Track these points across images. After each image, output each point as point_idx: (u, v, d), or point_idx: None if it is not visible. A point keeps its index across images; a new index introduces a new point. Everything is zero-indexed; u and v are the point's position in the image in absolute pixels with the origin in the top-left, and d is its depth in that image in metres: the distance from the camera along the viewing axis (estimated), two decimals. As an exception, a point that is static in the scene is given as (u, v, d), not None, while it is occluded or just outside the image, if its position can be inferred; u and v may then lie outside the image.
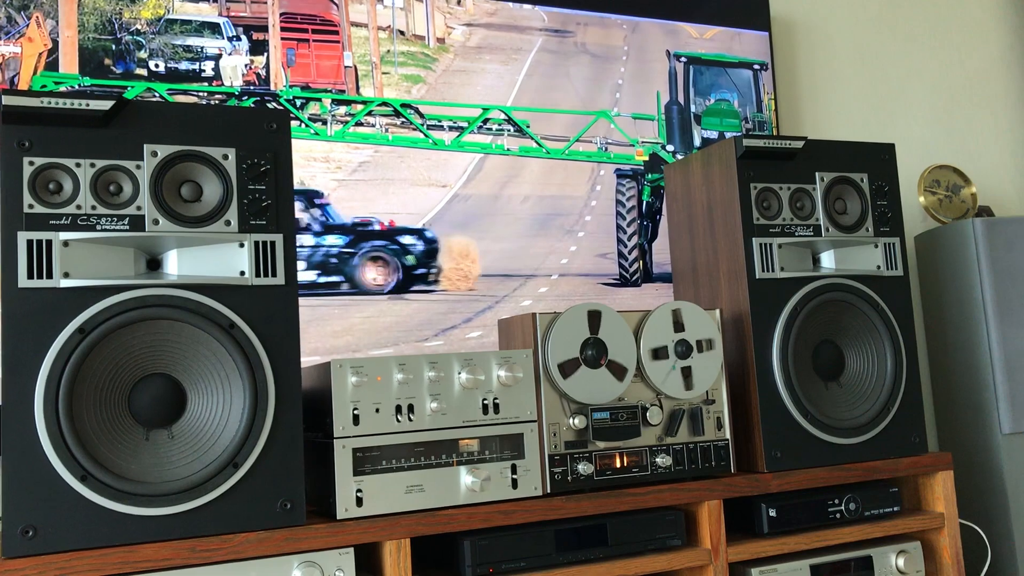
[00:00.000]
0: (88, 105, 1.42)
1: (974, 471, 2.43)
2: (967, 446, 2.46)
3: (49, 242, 1.41)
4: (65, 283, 1.40)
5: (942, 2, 3.08)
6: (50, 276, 1.40)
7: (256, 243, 1.52)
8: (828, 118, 2.81)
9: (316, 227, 2.14)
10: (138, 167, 1.47)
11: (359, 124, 2.21)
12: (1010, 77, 3.14)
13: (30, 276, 1.39)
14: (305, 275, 2.11)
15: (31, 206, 1.41)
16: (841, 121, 2.83)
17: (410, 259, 2.22)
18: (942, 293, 2.54)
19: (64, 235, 1.41)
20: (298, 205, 2.08)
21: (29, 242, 1.40)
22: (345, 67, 2.21)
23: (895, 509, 2.00)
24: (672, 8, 2.53)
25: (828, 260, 2.04)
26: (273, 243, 1.53)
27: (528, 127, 2.36)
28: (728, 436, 1.86)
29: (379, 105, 2.23)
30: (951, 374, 2.52)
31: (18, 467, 1.35)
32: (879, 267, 2.05)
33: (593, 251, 2.39)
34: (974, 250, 2.47)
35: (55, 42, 1.96)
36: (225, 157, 1.52)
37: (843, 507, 1.95)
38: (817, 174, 2.01)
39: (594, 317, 1.74)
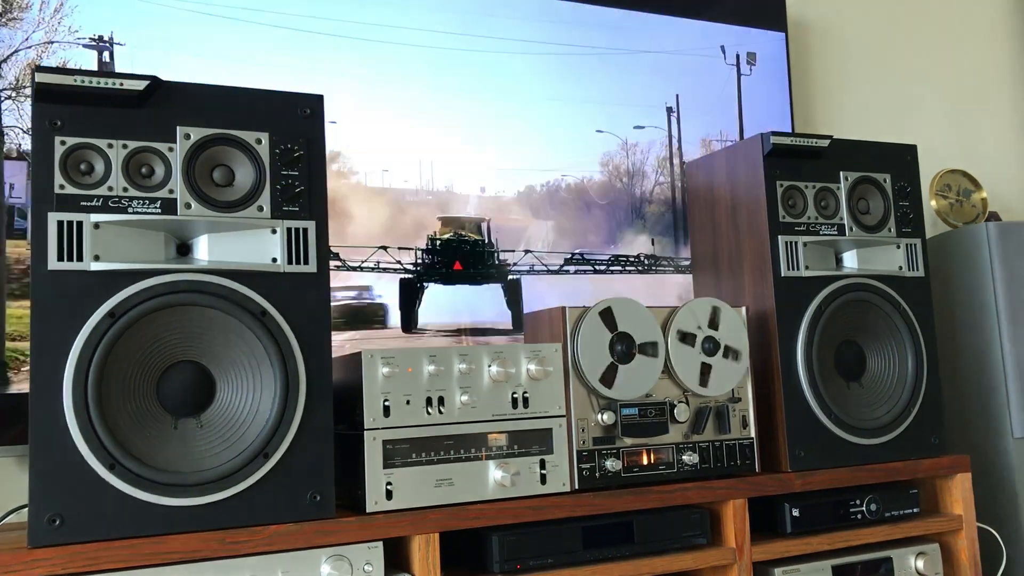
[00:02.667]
0: (122, 85, 1.39)
1: (985, 475, 2.43)
2: (978, 450, 2.46)
3: (80, 224, 1.37)
4: (96, 266, 1.37)
5: (954, 9, 3.09)
6: (80, 259, 1.36)
7: (289, 230, 1.49)
8: (841, 121, 2.81)
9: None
10: (171, 149, 1.43)
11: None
12: (1018, 84, 3.15)
13: (60, 258, 1.35)
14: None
15: (62, 186, 1.37)
16: (853, 124, 2.83)
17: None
18: (954, 297, 2.55)
19: (95, 217, 1.38)
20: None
21: (59, 223, 1.36)
22: None
23: (915, 511, 1.99)
24: (688, 5, 2.51)
25: (851, 260, 2.03)
26: (306, 230, 1.50)
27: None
28: (753, 434, 1.84)
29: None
30: (962, 378, 2.52)
31: (45, 454, 1.32)
32: (901, 268, 2.05)
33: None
34: (987, 254, 2.47)
35: None
36: (259, 142, 1.49)
37: (864, 508, 1.94)
38: (842, 173, 2.01)
39: (607, 314, 1.72)
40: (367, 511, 1.50)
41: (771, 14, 2.62)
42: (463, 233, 2.21)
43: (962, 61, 3.07)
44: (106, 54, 1.91)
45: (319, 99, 1.55)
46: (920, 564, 1.95)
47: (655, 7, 2.46)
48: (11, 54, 1.87)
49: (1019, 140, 3.14)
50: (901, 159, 2.09)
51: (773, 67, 2.63)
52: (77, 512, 1.32)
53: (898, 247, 2.05)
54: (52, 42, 1.88)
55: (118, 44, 1.93)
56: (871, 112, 2.88)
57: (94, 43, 1.91)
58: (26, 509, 1.38)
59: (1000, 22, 3.16)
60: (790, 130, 2.63)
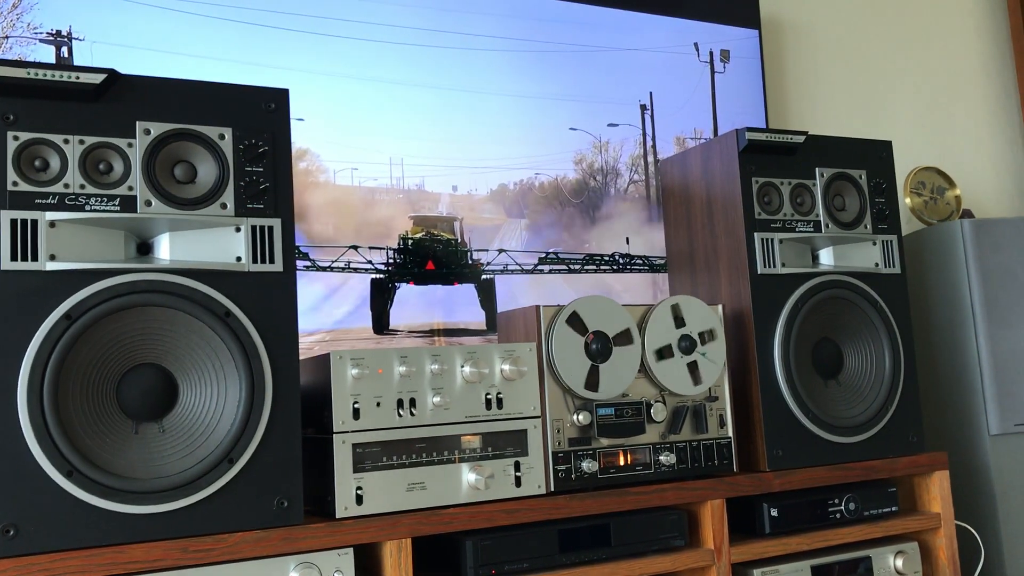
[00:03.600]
0: (78, 78, 1.34)
1: (962, 472, 2.42)
2: (955, 447, 2.45)
3: (35, 222, 1.32)
4: (51, 266, 1.32)
5: (925, 8, 3.09)
6: (35, 258, 1.31)
7: (253, 227, 1.45)
8: (814, 119, 2.80)
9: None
10: (130, 145, 1.39)
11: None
12: (989, 82, 3.16)
13: (13, 258, 1.30)
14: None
15: (15, 183, 1.32)
16: (827, 122, 2.82)
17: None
18: (929, 294, 2.54)
19: (51, 215, 1.33)
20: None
21: (13, 221, 1.31)
22: None
23: (893, 509, 1.98)
24: (662, 2, 2.49)
25: (827, 257, 2.02)
26: (271, 228, 1.46)
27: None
28: (731, 434, 1.82)
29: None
30: (939, 375, 2.52)
31: (-1, 461, 1.27)
32: (877, 264, 2.03)
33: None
34: (962, 251, 2.46)
35: None
36: (221, 137, 1.44)
37: (843, 507, 1.92)
38: (817, 170, 1.99)
39: (575, 319, 1.68)
40: (336, 516, 1.46)
41: (744, 11, 2.61)
42: (435, 232, 2.17)
43: (935, 58, 3.07)
44: (64, 49, 1.85)
45: (284, 93, 1.51)
46: (899, 563, 1.93)
47: (628, 4, 2.44)
48: (-34, 50, 1.81)
49: (992, 137, 3.14)
50: (876, 155, 2.08)
51: (746, 65, 2.62)
52: (33, 521, 1.27)
53: (874, 244, 2.03)
54: (7, 37, 1.82)
55: (76, 39, 1.87)
56: (845, 110, 2.87)
57: (52, 38, 1.86)
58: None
59: (972, 19, 3.17)
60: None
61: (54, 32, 1.86)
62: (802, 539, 1.85)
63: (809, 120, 2.79)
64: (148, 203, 1.38)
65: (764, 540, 1.82)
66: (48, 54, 1.86)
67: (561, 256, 2.31)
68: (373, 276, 2.09)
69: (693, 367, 1.77)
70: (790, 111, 2.77)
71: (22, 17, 1.85)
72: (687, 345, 1.77)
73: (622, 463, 1.70)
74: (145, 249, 1.42)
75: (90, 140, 1.36)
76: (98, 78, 1.36)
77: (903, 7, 3.05)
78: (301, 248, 2.01)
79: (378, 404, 1.51)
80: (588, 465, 1.66)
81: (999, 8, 3.22)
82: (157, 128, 1.40)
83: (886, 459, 1.97)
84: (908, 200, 2.74)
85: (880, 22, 2.99)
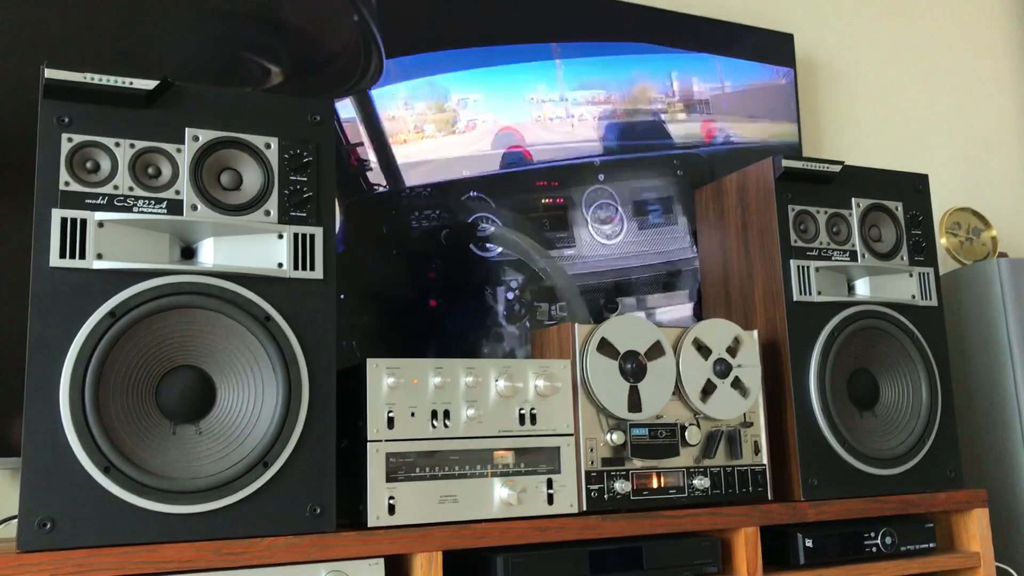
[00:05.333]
0: (132, 84, 1.38)
1: (1000, 513, 2.37)
2: (991, 488, 2.40)
3: (84, 221, 1.35)
4: (98, 264, 1.34)
5: (960, 52, 3.11)
6: (83, 256, 1.34)
7: (295, 235, 1.47)
8: (848, 158, 2.81)
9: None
10: (178, 151, 1.42)
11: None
12: (1022, 126, 3.16)
13: (62, 255, 1.33)
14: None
15: (67, 183, 1.35)
16: (861, 161, 2.82)
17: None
18: (965, 333, 2.51)
19: (99, 215, 1.35)
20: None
21: (63, 220, 1.34)
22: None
23: (931, 545, 1.93)
24: (710, 43, 2.52)
25: (863, 287, 2.01)
26: (313, 236, 1.48)
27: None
28: (765, 461, 1.80)
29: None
30: (975, 415, 2.48)
31: (39, 455, 1.27)
32: (914, 296, 2.02)
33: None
34: (999, 290, 2.44)
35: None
36: (267, 146, 1.47)
37: (879, 541, 1.88)
38: (853, 200, 1.99)
39: (605, 344, 1.68)
40: (368, 526, 1.45)
41: (781, 52, 2.63)
42: None
43: (969, 101, 3.07)
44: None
45: (330, 106, 1.54)
46: (937, 601, 1.88)
47: (680, 44, 2.47)
48: None
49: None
50: (912, 188, 2.08)
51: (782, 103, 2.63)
52: (69, 516, 1.27)
53: (911, 275, 2.02)
54: None
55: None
56: (879, 150, 2.88)
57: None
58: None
59: (1007, 63, 3.18)
60: (799, 165, 2.62)
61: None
62: (837, 571, 1.81)
63: (843, 158, 2.79)
64: (194, 207, 1.41)
65: (799, 571, 1.79)
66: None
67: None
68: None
69: (737, 383, 1.76)
70: (824, 150, 2.78)
71: None
72: (722, 369, 1.76)
73: (655, 485, 1.69)
74: (189, 253, 1.44)
75: (140, 144, 1.40)
76: (150, 85, 1.39)
77: (938, 51, 3.07)
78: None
79: (412, 414, 1.51)
80: (621, 486, 1.65)
81: (1034, 54, 3.23)
82: (205, 135, 1.43)
83: (924, 494, 1.93)
84: (944, 240, 2.73)
85: (915, 65, 3.01)
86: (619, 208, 2.28)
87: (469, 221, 2.11)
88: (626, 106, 2.36)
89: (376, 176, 2.04)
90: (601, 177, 2.28)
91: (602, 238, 2.24)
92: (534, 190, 2.19)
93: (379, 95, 2.07)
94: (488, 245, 2.11)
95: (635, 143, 2.34)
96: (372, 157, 2.04)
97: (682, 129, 2.42)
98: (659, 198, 2.33)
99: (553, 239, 2.18)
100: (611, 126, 2.32)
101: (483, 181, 2.13)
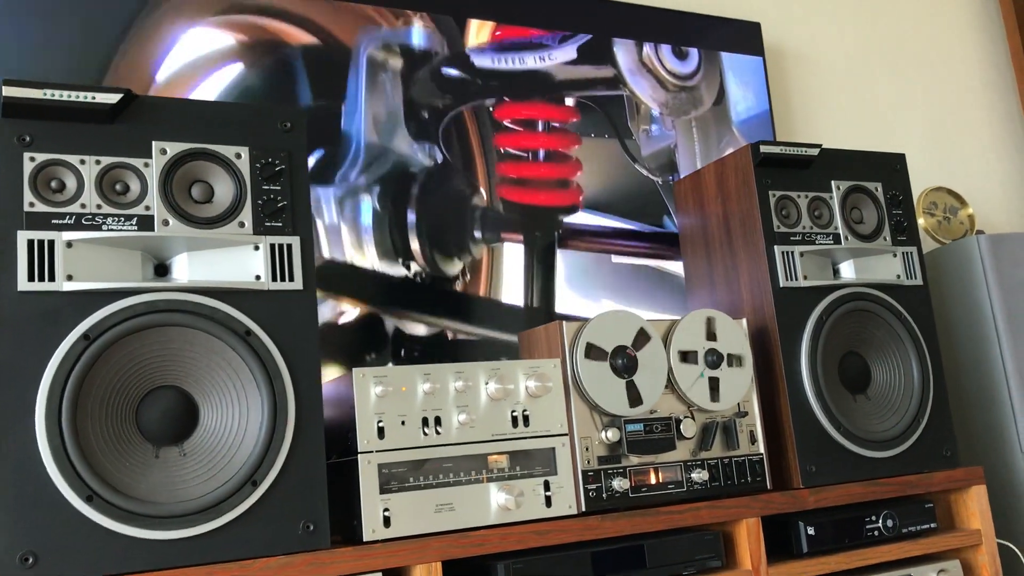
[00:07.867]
0: (94, 98, 1.33)
1: (994, 490, 2.36)
2: (986, 465, 2.39)
3: (51, 242, 1.30)
4: (68, 286, 1.29)
5: (925, 35, 3.12)
6: (52, 279, 1.29)
7: (272, 246, 1.43)
8: (823, 144, 2.80)
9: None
10: (146, 165, 1.37)
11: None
12: (996, 102, 3.17)
13: (30, 279, 1.28)
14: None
15: (32, 204, 1.30)
16: (834, 146, 2.81)
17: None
18: (950, 312, 2.50)
19: (67, 235, 1.31)
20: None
21: (30, 242, 1.29)
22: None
23: (932, 526, 1.92)
24: (678, 37, 2.50)
25: (848, 270, 1.99)
26: (290, 246, 1.44)
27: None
28: (762, 450, 1.77)
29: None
30: (964, 393, 2.47)
31: (16, 486, 1.22)
32: (899, 276, 2.01)
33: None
34: (980, 268, 2.44)
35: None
36: (238, 156, 1.43)
37: (880, 524, 1.86)
38: (833, 182, 1.97)
39: (592, 349, 1.64)
40: (364, 540, 1.41)
41: (748, 41, 2.62)
42: None
43: (938, 83, 3.08)
44: None
45: (300, 112, 1.50)
46: (942, 582, 1.87)
47: (645, 36, 2.45)
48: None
49: (1000, 158, 3.14)
50: (890, 168, 2.07)
51: (752, 91, 2.62)
52: (52, 549, 1.22)
53: (894, 256, 2.01)
54: None
55: None
56: (851, 134, 2.87)
57: None
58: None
59: (973, 44, 3.19)
60: (773, 153, 2.61)
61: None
62: (840, 558, 1.79)
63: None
64: (165, 222, 1.36)
65: (802, 560, 1.76)
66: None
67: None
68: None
69: (715, 383, 1.73)
70: (797, 136, 2.77)
71: None
72: (713, 360, 1.73)
73: (653, 481, 1.66)
74: (163, 270, 1.40)
75: (106, 160, 1.35)
76: (114, 98, 1.35)
77: (903, 36, 3.07)
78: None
79: (403, 423, 1.47)
80: (619, 483, 1.62)
81: (997, 32, 3.25)
82: (173, 148, 1.39)
83: (921, 474, 1.92)
84: (921, 220, 2.72)
85: (881, 51, 3.01)
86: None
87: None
88: (598, 102, 2.33)
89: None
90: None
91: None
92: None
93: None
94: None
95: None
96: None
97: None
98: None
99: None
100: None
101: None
